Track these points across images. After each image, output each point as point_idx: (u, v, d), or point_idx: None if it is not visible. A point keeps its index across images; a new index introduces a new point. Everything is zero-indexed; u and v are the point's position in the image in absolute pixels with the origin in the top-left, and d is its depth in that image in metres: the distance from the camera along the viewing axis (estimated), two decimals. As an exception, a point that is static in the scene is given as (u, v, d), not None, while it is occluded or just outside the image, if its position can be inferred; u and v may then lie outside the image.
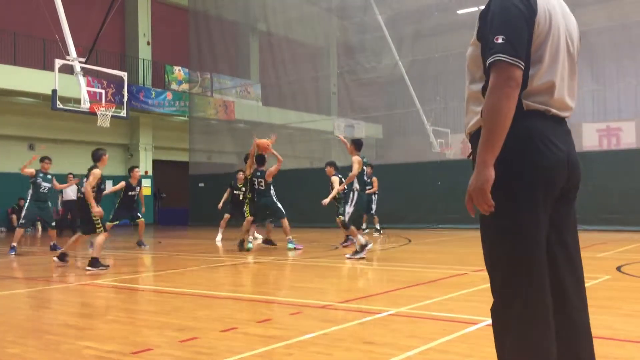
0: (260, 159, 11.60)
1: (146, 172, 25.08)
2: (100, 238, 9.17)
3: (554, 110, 2.22)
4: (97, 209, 9.15)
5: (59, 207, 17.98)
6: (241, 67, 25.87)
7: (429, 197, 17.31)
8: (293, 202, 12.89)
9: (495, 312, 2.23)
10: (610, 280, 6.70)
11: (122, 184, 12.68)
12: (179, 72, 24.77)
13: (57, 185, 12.37)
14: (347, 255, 9.51)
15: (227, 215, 14.44)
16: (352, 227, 9.71)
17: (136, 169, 13.06)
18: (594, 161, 14.73)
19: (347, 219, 9.76)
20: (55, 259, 9.42)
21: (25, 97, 20.20)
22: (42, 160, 12.03)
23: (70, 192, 15.95)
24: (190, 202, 23.67)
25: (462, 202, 2.23)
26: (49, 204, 12.18)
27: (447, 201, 16.56)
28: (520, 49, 2.09)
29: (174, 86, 24.44)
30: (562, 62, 2.24)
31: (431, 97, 21.84)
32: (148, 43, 24.93)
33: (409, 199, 17.78)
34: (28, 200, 11.80)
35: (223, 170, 22.27)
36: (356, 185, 9.78)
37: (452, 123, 22.02)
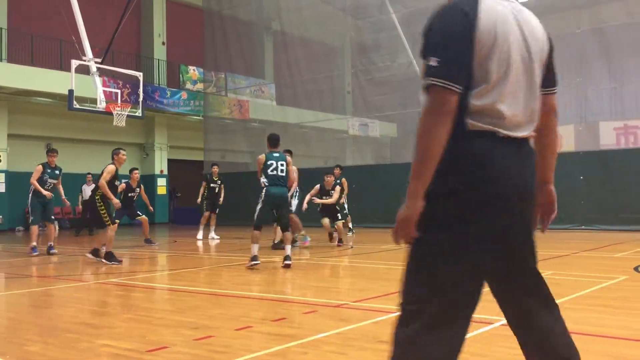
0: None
1: (161, 171, 25.28)
2: (109, 232, 9.50)
3: (503, 131, 1.99)
4: (115, 200, 9.51)
5: (79, 206, 18.23)
6: (255, 67, 25.94)
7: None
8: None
9: (395, 328, 2.05)
10: (628, 281, 6.63)
11: (123, 185, 12.41)
12: (193, 71, 24.91)
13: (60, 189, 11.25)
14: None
15: (206, 213, 14.29)
16: (255, 232, 8.41)
17: (135, 171, 12.96)
18: (611, 160, 14.57)
19: (255, 216, 8.55)
20: (89, 255, 9.80)
21: (43, 97, 20.41)
22: (49, 152, 11.11)
23: (90, 192, 15.92)
24: (204, 201, 23.74)
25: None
26: (52, 200, 11.01)
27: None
28: (456, 71, 1.92)
29: (188, 86, 24.57)
30: (515, 77, 2.02)
31: (445, 96, 21.67)
32: (163, 43, 25.10)
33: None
34: (30, 196, 10.71)
35: (237, 170, 22.36)
36: (264, 181, 8.58)
37: (466, 122, 21.84)
